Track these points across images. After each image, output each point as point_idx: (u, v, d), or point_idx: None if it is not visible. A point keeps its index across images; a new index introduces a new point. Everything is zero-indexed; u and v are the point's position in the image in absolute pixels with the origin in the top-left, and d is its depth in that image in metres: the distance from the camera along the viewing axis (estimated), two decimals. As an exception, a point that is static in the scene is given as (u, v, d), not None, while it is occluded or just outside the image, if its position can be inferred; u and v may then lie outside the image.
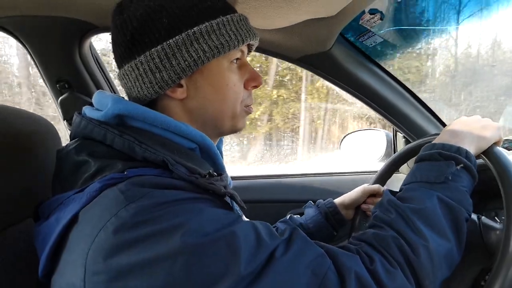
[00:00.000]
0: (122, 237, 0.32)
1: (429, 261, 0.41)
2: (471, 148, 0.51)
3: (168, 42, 0.44)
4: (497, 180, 0.49)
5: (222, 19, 0.46)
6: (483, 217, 0.55)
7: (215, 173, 0.44)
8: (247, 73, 0.51)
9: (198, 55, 0.44)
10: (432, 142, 0.54)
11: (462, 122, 0.56)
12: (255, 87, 0.53)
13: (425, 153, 0.52)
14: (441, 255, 0.43)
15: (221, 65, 0.48)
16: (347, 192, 0.79)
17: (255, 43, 0.53)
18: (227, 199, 0.46)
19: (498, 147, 0.54)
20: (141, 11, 0.44)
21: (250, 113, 0.54)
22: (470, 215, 0.47)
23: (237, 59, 0.50)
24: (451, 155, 0.49)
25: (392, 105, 0.99)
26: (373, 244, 0.43)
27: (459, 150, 0.50)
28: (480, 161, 0.53)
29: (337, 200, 0.77)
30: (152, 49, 0.44)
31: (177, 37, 0.44)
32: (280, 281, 0.35)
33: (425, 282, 0.40)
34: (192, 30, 0.44)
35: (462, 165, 0.48)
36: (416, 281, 0.40)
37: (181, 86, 0.47)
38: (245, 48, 0.51)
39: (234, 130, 0.53)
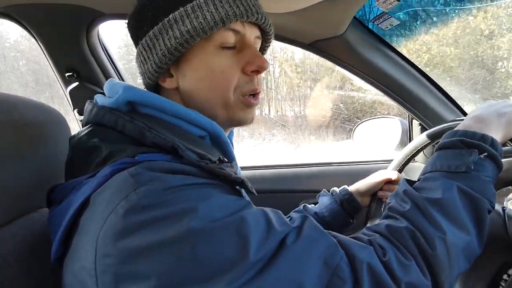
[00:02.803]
0: (132, 220, 0.32)
1: (446, 254, 0.39)
2: (498, 135, 0.48)
3: (149, 34, 0.46)
4: None
5: (200, 1, 0.43)
6: (508, 208, 0.52)
7: (225, 159, 0.43)
8: (246, 56, 0.46)
9: (171, 43, 0.44)
10: (455, 129, 0.51)
11: (488, 106, 0.52)
12: (257, 71, 0.47)
13: (447, 141, 0.49)
14: (459, 248, 0.40)
15: (204, 51, 0.45)
16: None
17: (257, 21, 0.47)
18: (237, 186, 0.44)
19: None
20: (137, 3, 0.47)
21: (251, 104, 0.48)
22: (493, 207, 0.44)
23: (234, 43, 0.46)
24: (474, 142, 0.46)
25: (408, 91, 0.95)
26: (386, 235, 0.41)
27: (483, 137, 0.46)
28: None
29: (352, 187, 0.76)
30: (143, 40, 0.47)
31: (155, 27, 0.45)
32: (290, 270, 0.33)
33: (441, 276, 0.38)
34: (167, 18, 0.44)
35: (486, 153, 0.45)
36: (431, 275, 0.38)
37: (172, 76, 0.48)
38: (242, 29, 0.46)
39: (232, 122, 0.49)
